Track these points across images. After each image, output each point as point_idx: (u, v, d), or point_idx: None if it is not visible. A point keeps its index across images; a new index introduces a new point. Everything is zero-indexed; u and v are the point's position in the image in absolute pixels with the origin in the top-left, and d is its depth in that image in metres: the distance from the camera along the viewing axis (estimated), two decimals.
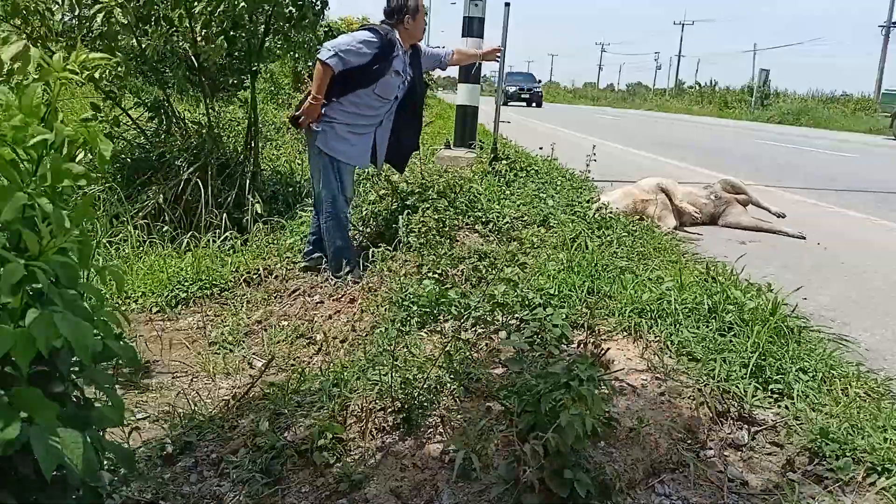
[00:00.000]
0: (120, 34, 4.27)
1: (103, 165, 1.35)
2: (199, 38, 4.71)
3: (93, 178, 1.26)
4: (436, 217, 3.87)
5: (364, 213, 4.38)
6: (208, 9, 4.36)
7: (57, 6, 4.32)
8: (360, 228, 4.21)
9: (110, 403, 1.28)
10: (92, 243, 1.23)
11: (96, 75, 4.33)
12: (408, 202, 4.28)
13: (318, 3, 5.19)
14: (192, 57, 4.96)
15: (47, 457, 1.01)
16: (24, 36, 4.30)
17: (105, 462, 1.46)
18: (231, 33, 4.72)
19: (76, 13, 4.29)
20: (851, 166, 9.80)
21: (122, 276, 1.33)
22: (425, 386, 2.21)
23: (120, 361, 1.32)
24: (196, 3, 4.30)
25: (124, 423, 1.45)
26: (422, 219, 3.85)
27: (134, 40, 4.51)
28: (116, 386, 2.56)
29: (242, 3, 4.34)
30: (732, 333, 2.44)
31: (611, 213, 4.05)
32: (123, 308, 3.81)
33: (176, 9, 4.35)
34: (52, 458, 1.02)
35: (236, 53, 5.18)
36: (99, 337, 1.22)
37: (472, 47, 6.23)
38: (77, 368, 1.25)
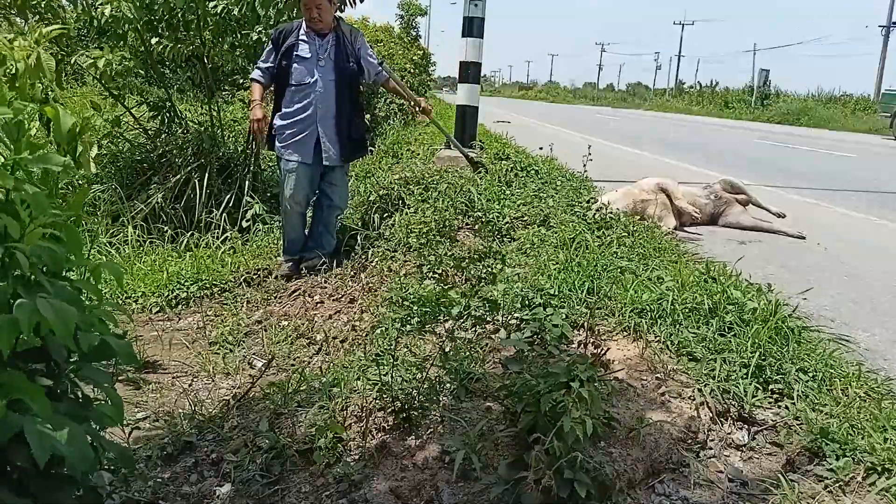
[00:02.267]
0: (128, 33, 4.28)
1: (62, 137, 1.36)
2: (207, 41, 4.72)
3: (66, 164, 1.25)
4: (436, 217, 3.87)
5: (364, 212, 4.39)
6: (220, 8, 4.38)
7: (69, 7, 4.33)
8: (361, 228, 4.21)
9: (109, 402, 1.28)
10: (80, 233, 1.22)
11: (100, 64, 4.35)
12: (408, 202, 4.28)
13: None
14: (198, 58, 4.96)
15: (41, 444, 1.00)
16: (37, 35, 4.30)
17: (105, 462, 1.46)
18: (238, 34, 4.73)
19: (89, 16, 4.29)
20: (851, 166, 9.79)
21: (120, 272, 1.32)
22: (425, 386, 2.21)
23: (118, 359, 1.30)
24: (210, 4, 4.32)
25: (124, 421, 1.44)
26: (422, 219, 3.85)
27: (140, 40, 4.52)
28: (116, 384, 2.56)
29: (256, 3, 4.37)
30: (732, 333, 2.44)
31: (611, 213, 4.05)
32: (124, 308, 3.82)
33: (194, 12, 4.36)
34: (45, 446, 1.01)
35: (240, 53, 5.18)
36: (96, 334, 1.22)
37: (471, 48, 6.24)
38: (74, 366, 1.24)
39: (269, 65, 3.84)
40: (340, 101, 3.85)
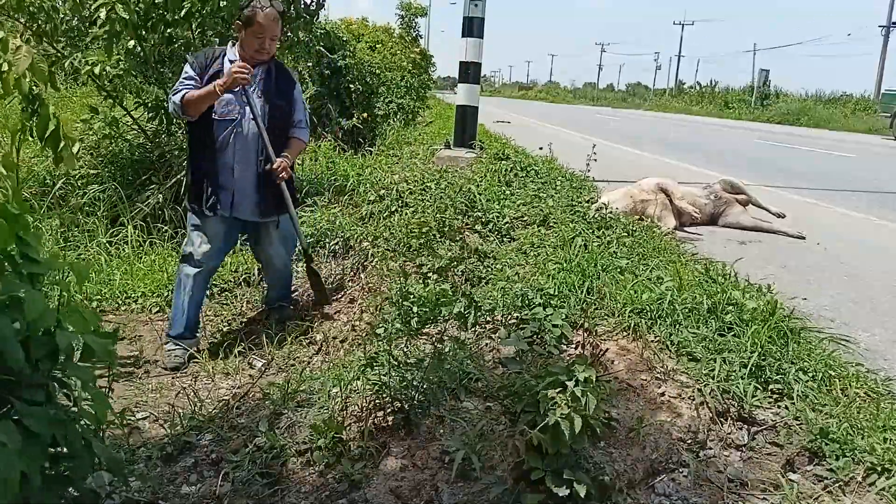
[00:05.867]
0: (122, 34, 4.26)
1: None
2: (195, 40, 4.71)
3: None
4: (436, 217, 3.87)
5: (364, 212, 4.39)
6: (199, 9, 4.36)
7: (61, 4, 4.32)
8: (360, 228, 4.21)
9: (94, 401, 1.27)
10: (31, 227, 1.20)
11: (96, 70, 4.35)
12: (408, 202, 4.29)
13: (313, 3, 5.19)
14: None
15: None
16: (28, 33, 4.30)
17: (104, 462, 1.46)
18: (225, 34, 4.72)
19: (80, 12, 4.27)
20: (851, 166, 9.80)
21: (86, 269, 1.30)
22: (425, 386, 2.21)
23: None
24: (185, 4, 4.28)
25: (119, 422, 1.44)
26: (422, 219, 3.85)
27: (133, 41, 4.51)
28: (116, 384, 2.56)
29: (226, 3, 4.32)
30: (732, 333, 2.44)
31: (611, 213, 4.06)
32: (123, 308, 3.82)
33: (174, 12, 4.34)
34: None
35: None
36: (73, 332, 1.21)
37: (471, 48, 6.25)
38: (60, 366, 1.23)
39: (195, 84, 3.08)
40: (264, 144, 3.15)
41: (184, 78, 3.11)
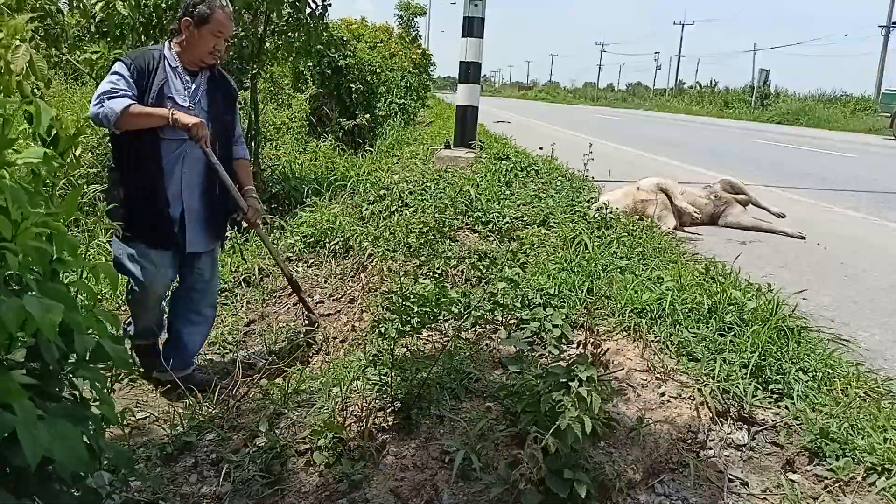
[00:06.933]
0: (127, 36, 4.27)
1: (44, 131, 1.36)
2: None
3: (50, 157, 1.25)
4: (436, 217, 3.88)
5: (364, 212, 4.39)
6: None
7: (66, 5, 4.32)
8: (360, 228, 4.21)
9: (102, 403, 1.27)
10: (67, 233, 1.22)
11: (94, 58, 4.35)
12: (408, 202, 4.29)
13: (318, 7, 5.20)
14: None
15: (33, 445, 1.00)
16: (37, 37, 4.30)
17: (105, 462, 1.46)
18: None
19: (87, 17, 4.27)
20: (851, 166, 9.79)
21: (108, 270, 1.31)
22: (425, 385, 2.21)
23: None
24: None
25: (119, 422, 1.44)
26: (422, 219, 3.85)
27: (138, 40, 4.52)
28: (117, 384, 2.56)
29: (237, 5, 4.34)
30: (732, 333, 2.44)
31: (611, 213, 4.06)
32: (124, 308, 3.81)
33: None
34: (38, 447, 1.00)
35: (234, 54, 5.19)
36: (93, 336, 1.21)
37: (471, 48, 6.25)
38: (71, 367, 1.24)
39: (134, 92, 2.61)
40: (211, 167, 2.80)
41: (115, 79, 2.60)
